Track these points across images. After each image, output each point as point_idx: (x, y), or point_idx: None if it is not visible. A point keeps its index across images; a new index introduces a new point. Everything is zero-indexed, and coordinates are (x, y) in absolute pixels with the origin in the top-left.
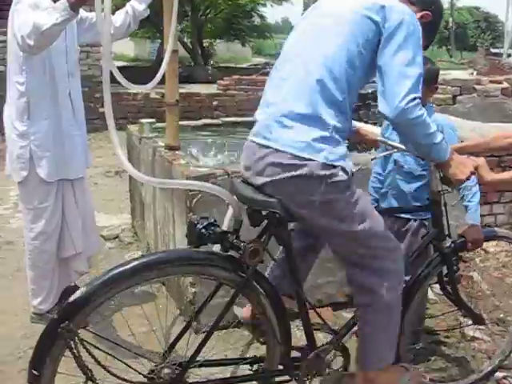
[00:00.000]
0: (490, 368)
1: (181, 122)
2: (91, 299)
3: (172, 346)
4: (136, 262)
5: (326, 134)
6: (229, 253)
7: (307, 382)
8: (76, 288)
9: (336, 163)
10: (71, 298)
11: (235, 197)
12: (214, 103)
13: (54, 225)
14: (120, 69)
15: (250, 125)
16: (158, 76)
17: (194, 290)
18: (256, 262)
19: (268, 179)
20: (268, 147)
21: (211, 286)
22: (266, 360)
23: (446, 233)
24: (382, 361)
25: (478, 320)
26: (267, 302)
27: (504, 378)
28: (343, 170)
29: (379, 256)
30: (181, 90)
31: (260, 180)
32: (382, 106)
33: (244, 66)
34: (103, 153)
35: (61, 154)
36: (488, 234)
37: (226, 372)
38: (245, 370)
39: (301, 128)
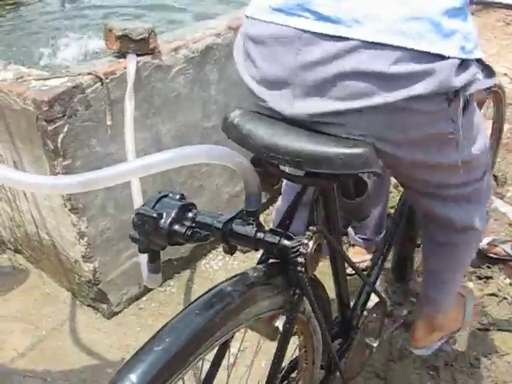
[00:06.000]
0: None
1: None
2: None
3: None
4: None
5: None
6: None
7: None
8: None
9: (473, 56)
10: None
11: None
12: None
13: None
14: None
15: None
16: None
17: (91, 265)
18: (317, 264)
19: (346, 106)
20: (342, 38)
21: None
22: None
23: None
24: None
25: None
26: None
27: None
28: (486, 67)
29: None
30: None
31: (322, 107)
32: None
33: None
34: None
35: None
36: None
37: None
38: None
39: None
